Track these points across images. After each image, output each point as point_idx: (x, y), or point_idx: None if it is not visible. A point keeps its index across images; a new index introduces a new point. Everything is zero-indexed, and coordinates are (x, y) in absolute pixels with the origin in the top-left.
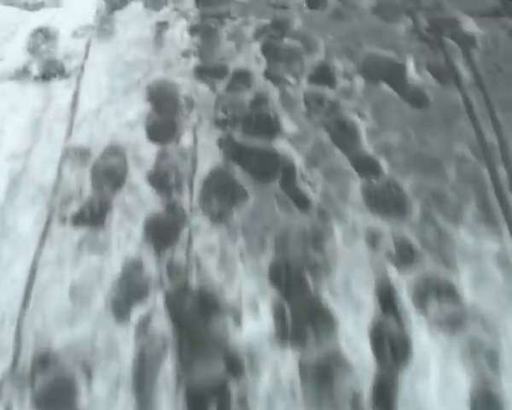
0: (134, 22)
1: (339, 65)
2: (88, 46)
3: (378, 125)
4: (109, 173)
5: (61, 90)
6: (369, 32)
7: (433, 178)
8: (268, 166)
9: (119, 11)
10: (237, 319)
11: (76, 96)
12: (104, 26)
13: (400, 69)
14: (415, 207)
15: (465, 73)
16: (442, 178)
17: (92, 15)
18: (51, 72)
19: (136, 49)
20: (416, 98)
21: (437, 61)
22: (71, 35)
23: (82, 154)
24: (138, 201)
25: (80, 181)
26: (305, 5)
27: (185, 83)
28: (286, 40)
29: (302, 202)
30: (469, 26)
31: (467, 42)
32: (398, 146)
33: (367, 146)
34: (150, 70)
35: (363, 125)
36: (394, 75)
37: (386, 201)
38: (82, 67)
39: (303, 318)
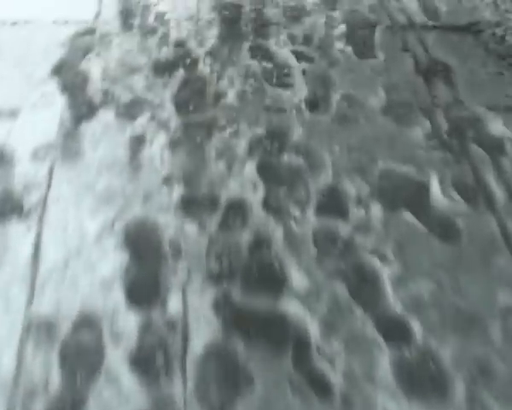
0: (104, 138)
1: (350, 188)
2: (51, 172)
3: (404, 271)
4: (82, 356)
5: (19, 235)
6: (381, 139)
7: (475, 343)
8: (276, 337)
9: (87, 123)
10: None
11: (38, 244)
12: (69, 144)
13: (423, 190)
14: (458, 385)
15: (498, 191)
16: (486, 341)
17: (55, 129)
18: (7, 211)
19: (109, 175)
20: (445, 229)
21: (463, 175)
22: (30, 157)
23: (47, 328)
24: (119, 395)
25: (46, 368)
26: (304, 107)
27: (169, 222)
28: (286, 156)
29: (321, 387)
30: (495, 125)
31: (495, 147)
32: (431, 298)
33: (393, 301)
34: (126, 205)
35: (385, 272)
36: (416, 199)
37: (422, 378)
38: (44, 203)
39: None
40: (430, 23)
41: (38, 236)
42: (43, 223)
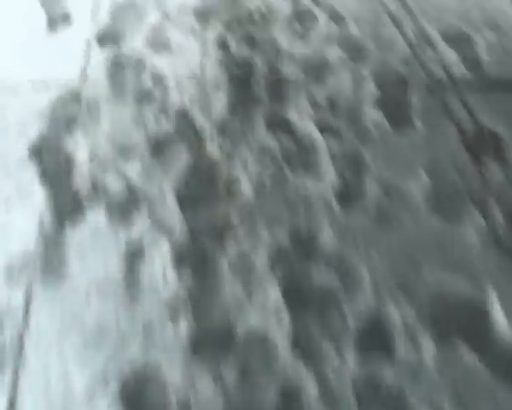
0: (94, 249)
1: (395, 314)
2: (28, 297)
3: None
4: None
5: None
6: (427, 244)
7: None
8: None
9: (72, 226)
10: None
11: (13, 404)
12: (51, 258)
13: (481, 315)
14: None
15: None
16: None
17: (33, 234)
18: None
19: (100, 302)
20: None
21: None
22: (3, 277)
23: None
24: None
25: None
26: (334, 201)
27: (175, 372)
28: (315, 271)
29: None
30: None
31: None
32: None
33: None
34: (122, 346)
35: None
36: (474, 326)
37: None
38: (21, 343)
39: None
40: (472, 78)
41: (14, 391)
42: (20, 373)
